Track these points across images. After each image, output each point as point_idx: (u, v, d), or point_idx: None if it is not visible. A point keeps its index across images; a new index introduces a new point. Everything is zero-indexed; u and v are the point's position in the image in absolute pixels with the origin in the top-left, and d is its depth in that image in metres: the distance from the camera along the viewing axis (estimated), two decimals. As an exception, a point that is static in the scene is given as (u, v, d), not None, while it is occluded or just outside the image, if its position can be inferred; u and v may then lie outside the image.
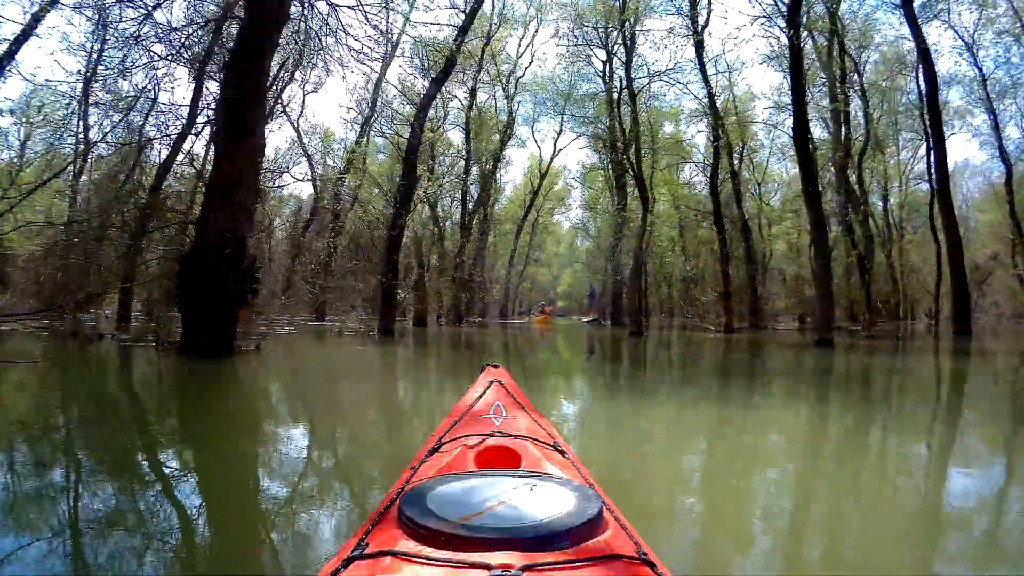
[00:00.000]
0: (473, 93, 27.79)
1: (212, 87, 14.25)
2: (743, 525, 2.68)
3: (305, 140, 31.51)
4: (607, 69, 30.64)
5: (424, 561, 0.90)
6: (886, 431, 5.07)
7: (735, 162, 23.64)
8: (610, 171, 28.31)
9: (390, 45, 27.03)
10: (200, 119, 14.26)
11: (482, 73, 28.85)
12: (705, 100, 22.83)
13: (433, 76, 17.10)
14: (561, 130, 39.55)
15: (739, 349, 13.84)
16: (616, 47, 26.90)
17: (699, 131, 27.09)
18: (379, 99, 26.03)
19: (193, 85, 18.59)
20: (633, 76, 20.87)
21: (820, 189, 15.13)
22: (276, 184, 18.21)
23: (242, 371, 8.10)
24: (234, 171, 9.38)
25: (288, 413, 5.75)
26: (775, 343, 15.70)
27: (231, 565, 2.13)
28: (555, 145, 39.35)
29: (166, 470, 3.47)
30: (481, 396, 1.95)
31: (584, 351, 14.24)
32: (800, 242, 34.86)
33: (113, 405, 5.73)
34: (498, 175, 35.77)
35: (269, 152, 28.78)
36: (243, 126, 9.51)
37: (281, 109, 32.40)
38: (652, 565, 0.96)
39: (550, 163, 39.37)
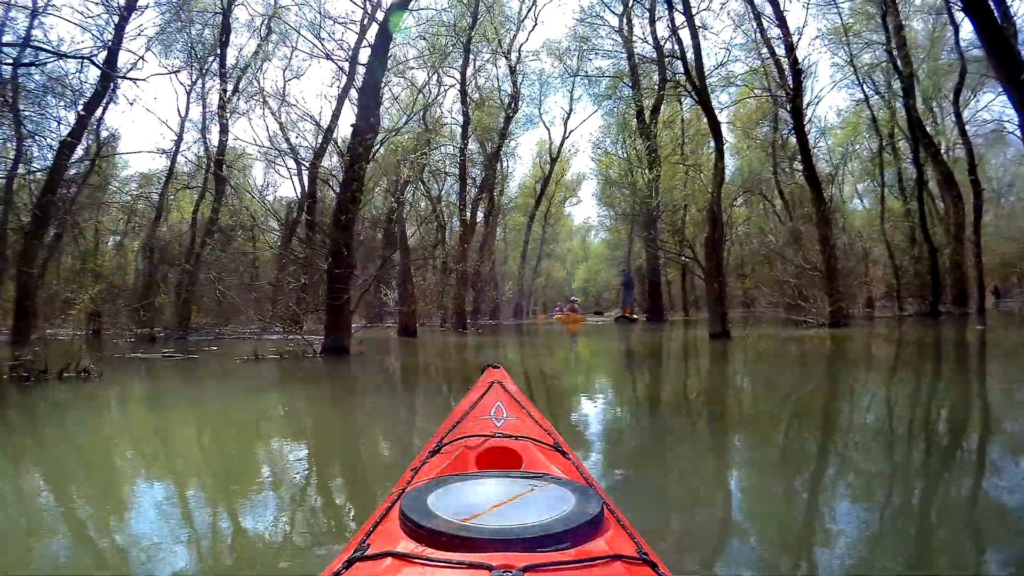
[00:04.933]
0: (467, 49, 21.88)
1: None
2: None
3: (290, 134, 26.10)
4: (623, 23, 24.94)
5: (425, 562, 0.85)
6: None
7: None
8: (637, 140, 22.14)
9: (370, 4, 21.53)
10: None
11: (478, 31, 22.93)
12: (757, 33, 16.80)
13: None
14: (571, 109, 33.92)
15: (950, 358, 7.71)
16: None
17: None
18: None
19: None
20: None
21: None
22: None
23: None
24: None
25: None
26: (954, 338, 9.51)
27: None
28: (566, 126, 33.30)
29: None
30: (482, 397, 1.82)
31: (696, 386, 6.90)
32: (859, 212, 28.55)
33: None
34: (504, 157, 29.94)
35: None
36: None
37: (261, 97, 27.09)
38: (653, 565, 0.90)
39: (561, 145, 33.70)
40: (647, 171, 18.06)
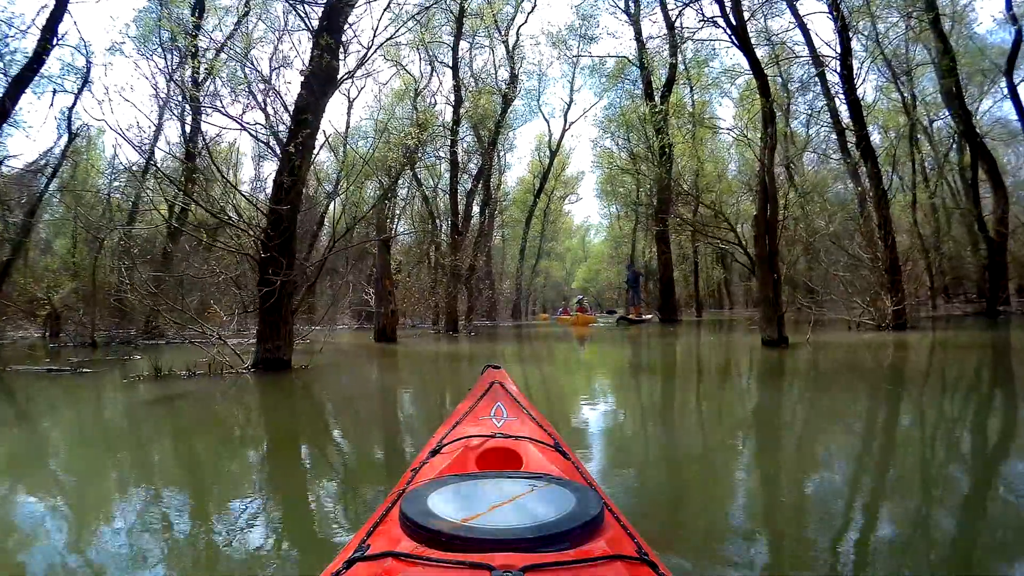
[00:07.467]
0: (460, 23, 19.51)
1: None
2: None
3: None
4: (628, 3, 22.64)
5: (425, 562, 0.82)
6: None
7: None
8: (648, 121, 19.70)
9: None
10: None
11: (471, 8, 20.51)
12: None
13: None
14: (571, 100, 31.56)
15: None
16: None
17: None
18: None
19: None
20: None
21: None
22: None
23: None
24: None
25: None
26: None
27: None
28: (566, 118, 30.94)
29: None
30: (482, 397, 1.76)
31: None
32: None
33: None
34: (501, 149, 27.49)
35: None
36: None
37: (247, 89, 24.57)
38: (653, 566, 0.86)
39: (561, 138, 31.50)
40: (659, 144, 15.65)
